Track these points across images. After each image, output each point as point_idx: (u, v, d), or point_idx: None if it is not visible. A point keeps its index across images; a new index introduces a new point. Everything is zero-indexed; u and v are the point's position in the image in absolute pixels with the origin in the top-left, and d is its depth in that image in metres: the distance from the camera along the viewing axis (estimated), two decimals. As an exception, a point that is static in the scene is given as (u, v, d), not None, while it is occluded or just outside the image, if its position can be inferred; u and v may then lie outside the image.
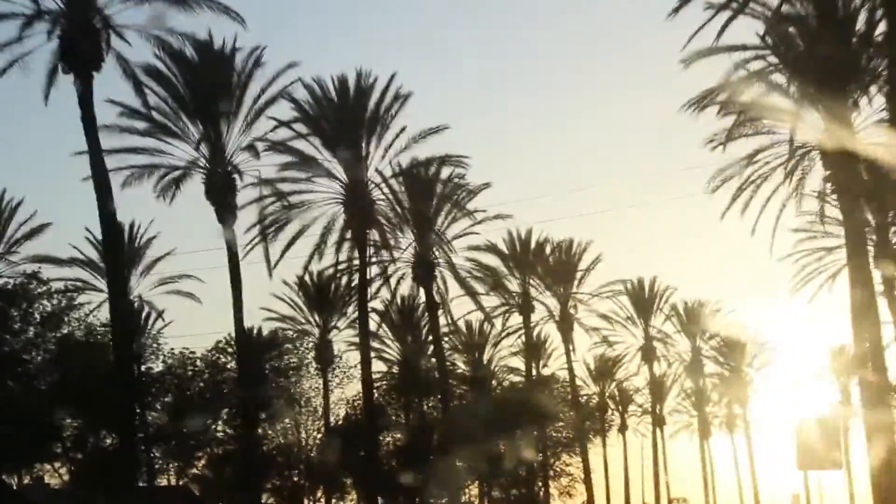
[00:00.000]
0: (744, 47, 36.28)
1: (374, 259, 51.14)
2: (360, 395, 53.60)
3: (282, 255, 47.02)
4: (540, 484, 72.66)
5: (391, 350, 67.78)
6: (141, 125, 43.32)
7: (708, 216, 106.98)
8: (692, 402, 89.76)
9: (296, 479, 64.39)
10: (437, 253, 52.73)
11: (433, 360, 61.24)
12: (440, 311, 54.73)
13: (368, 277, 50.28)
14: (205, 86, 41.98)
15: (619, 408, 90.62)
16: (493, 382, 73.94)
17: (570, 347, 66.35)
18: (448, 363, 69.09)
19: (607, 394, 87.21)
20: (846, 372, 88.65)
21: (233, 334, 47.98)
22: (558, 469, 76.09)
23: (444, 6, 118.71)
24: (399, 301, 59.37)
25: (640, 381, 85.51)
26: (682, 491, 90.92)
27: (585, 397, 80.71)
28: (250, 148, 43.73)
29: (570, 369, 66.96)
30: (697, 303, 76.32)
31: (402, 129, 47.14)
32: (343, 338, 65.09)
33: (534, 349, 73.62)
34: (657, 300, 74.13)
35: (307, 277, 61.20)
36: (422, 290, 53.54)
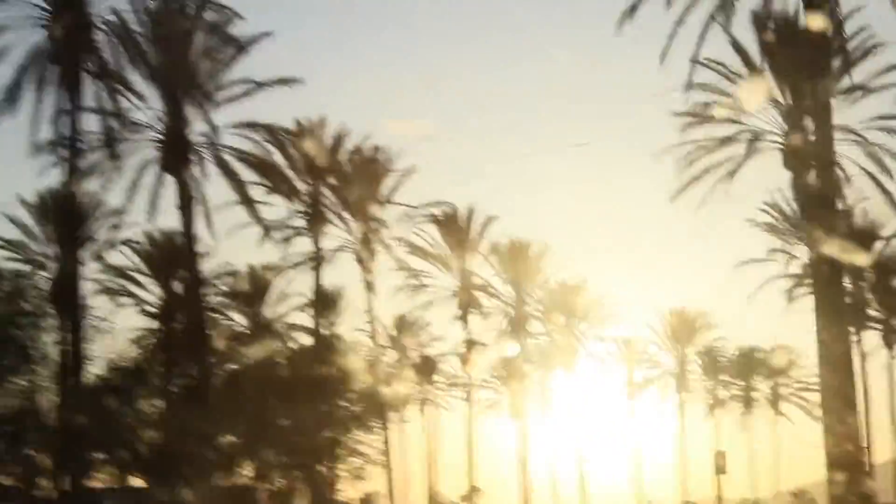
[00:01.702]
0: None
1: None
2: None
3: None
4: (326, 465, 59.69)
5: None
6: None
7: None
8: (504, 371, 76.85)
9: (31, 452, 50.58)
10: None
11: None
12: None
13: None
14: None
15: (422, 377, 77.21)
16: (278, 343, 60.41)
17: (371, 288, 51.30)
18: (218, 314, 57.78)
19: (409, 360, 73.61)
20: (685, 339, 78.40)
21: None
22: (349, 448, 63.16)
23: None
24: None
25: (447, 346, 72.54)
26: (497, 478, 77.73)
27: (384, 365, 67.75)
28: None
29: (371, 316, 52.12)
30: (522, 243, 62.49)
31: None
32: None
33: (325, 301, 60.12)
34: (475, 235, 59.18)
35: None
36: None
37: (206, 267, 58.48)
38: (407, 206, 49.85)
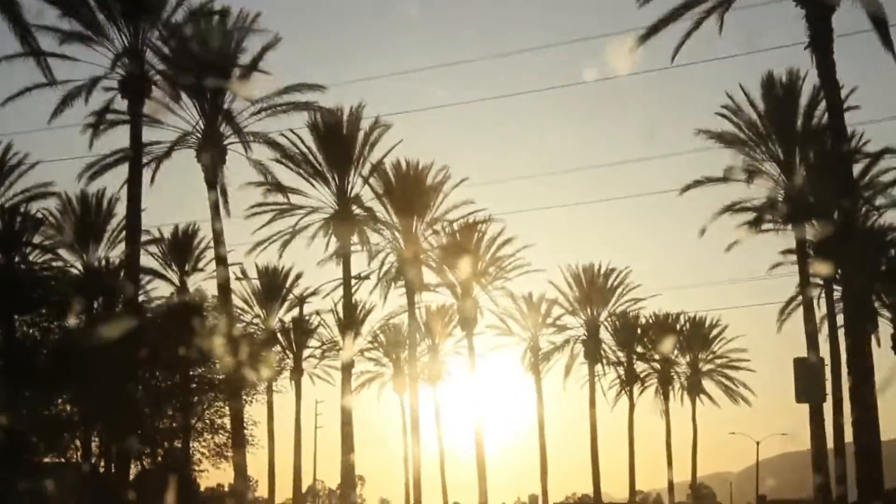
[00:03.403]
0: None
1: None
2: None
3: None
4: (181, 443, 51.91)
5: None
6: None
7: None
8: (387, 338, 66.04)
9: None
10: None
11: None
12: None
13: None
14: None
15: (293, 343, 65.71)
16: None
17: (224, 201, 38.85)
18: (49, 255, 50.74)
19: (276, 321, 62.39)
20: (597, 302, 67.33)
21: None
22: (208, 422, 53.21)
23: None
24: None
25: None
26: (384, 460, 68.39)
27: (248, 326, 56.58)
28: None
29: (216, 231, 39.53)
30: (418, 166, 50.17)
31: None
32: None
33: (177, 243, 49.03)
34: (361, 145, 45.88)
35: None
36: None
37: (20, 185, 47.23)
38: (266, 73, 37.05)
